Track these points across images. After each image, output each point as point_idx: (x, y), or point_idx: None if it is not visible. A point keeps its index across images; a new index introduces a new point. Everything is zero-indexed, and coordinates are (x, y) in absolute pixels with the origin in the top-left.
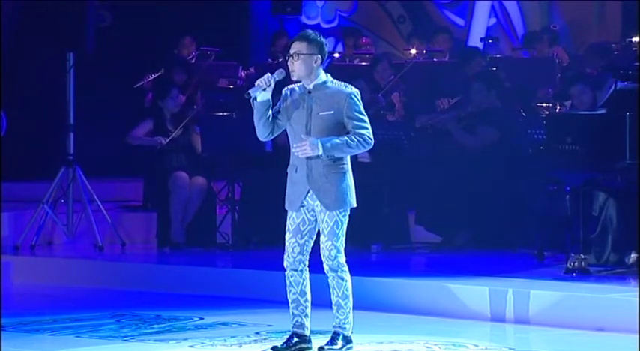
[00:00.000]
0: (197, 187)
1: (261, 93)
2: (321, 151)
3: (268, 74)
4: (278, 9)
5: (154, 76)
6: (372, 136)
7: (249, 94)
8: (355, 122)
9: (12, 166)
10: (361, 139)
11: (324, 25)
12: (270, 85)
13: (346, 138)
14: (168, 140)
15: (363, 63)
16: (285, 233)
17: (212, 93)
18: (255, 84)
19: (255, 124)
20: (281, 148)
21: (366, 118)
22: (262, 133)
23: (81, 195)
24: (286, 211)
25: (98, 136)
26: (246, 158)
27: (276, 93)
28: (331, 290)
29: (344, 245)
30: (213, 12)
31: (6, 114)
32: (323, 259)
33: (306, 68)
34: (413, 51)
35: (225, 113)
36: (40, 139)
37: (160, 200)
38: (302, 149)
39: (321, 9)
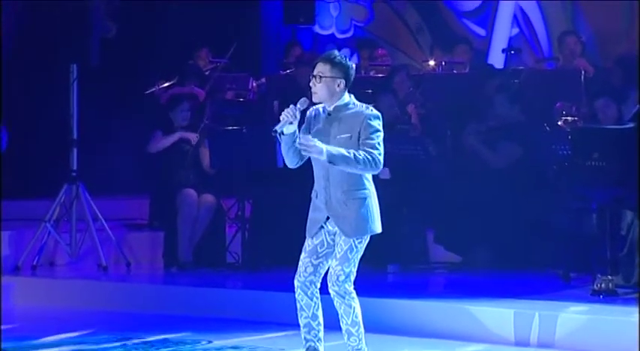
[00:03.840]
0: (206, 205)
1: (287, 126)
2: (324, 157)
3: (292, 106)
4: (290, 18)
5: (166, 84)
6: (382, 160)
7: (276, 131)
8: (368, 141)
9: (13, 183)
10: (370, 158)
11: (339, 36)
12: (295, 117)
13: (353, 152)
14: (197, 136)
15: (380, 75)
16: (298, 253)
17: (221, 106)
18: (281, 118)
19: (284, 155)
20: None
21: (380, 141)
22: (292, 162)
23: (84, 213)
24: (301, 231)
25: (102, 152)
26: (257, 174)
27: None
28: (340, 318)
29: (354, 274)
30: (222, 21)
31: (6, 129)
32: (329, 284)
33: (328, 91)
34: (431, 62)
35: (235, 127)
36: (42, 154)
37: (166, 218)
38: (306, 147)
39: (336, 18)
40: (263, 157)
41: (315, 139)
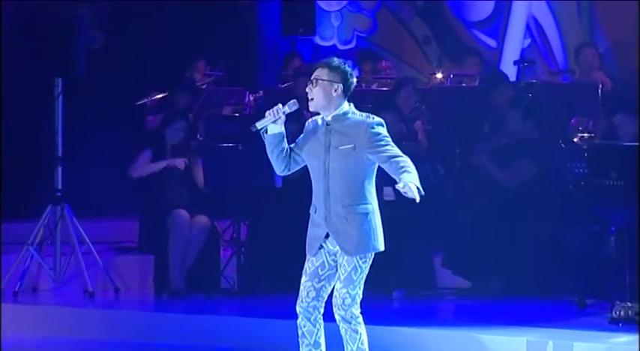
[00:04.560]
0: (199, 227)
1: (271, 125)
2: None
3: (279, 105)
4: (289, 29)
5: (158, 96)
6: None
7: (255, 126)
8: (388, 152)
9: None
10: (409, 162)
11: (341, 47)
12: (279, 117)
13: (407, 165)
14: (188, 160)
15: (384, 88)
16: (297, 277)
17: (216, 121)
18: (266, 115)
19: (270, 158)
20: (293, 183)
21: (392, 142)
22: (278, 167)
23: (70, 235)
24: (300, 254)
25: (89, 170)
26: (254, 194)
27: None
28: (344, 345)
29: (360, 296)
30: (217, 32)
31: None
32: (334, 309)
33: (324, 97)
34: (439, 75)
35: (230, 144)
36: (24, 173)
37: (157, 241)
38: (407, 190)
39: (338, 29)
40: (260, 176)
41: (410, 182)
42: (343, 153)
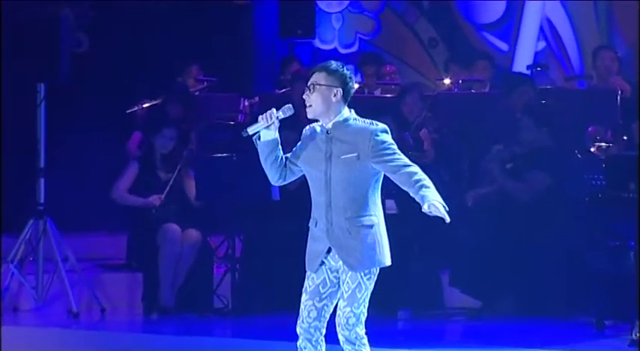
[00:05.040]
0: (190, 242)
1: (263, 131)
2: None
3: (273, 110)
4: (287, 31)
5: (149, 104)
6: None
7: (246, 131)
8: (396, 162)
9: None
10: (421, 173)
11: (342, 50)
12: (272, 122)
13: (424, 180)
14: (164, 196)
15: (388, 95)
16: (296, 296)
17: (209, 130)
18: (258, 120)
19: (263, 166)
20: (291, 195)
21: (398, 150)
22: (272, 177)
23: (53, 252)
24: (299, 270)
25: (74, 183)
26: (249, 208)
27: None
28: None
29: (365, 314)
30: (211, 35)
31: None
32: (338, 328)
33: (323, 102)
34: (447, 81)
35: (224, 154)
36: (4, 185)
37: (146, 257)
38: (434, 210)
39: (339, 31)
40: (256, 188)
41: (434, 201)
42: (346, 162)
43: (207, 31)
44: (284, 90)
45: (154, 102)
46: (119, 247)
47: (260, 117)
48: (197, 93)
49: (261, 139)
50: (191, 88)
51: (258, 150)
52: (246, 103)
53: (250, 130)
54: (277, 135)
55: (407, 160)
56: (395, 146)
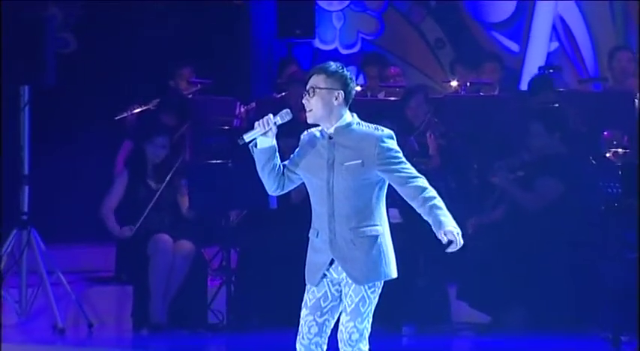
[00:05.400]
0: (183, 254)
1: (260, 138)
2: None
3: (270, 115)
4: (285, 31)
5: (140, 109)
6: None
7: (242, 138)
8: (403, 169)
9: None
10: (429, 186)
11: (343, 51)
12: (270, 128)
13: (434, 200)
14: (135, 228)
15: (392, 98)
16: (296, 310)
17: (202, 136)
18: (255, 126)
19: (260, 175)
20: (290, 204)
21: (404, 158)
22: (269, 186)
23: (37, 264)
24: (299, 284)
25: (59, 191)
26: (245, 218)
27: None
28: None
29: (369, 330)
30: (205, 35)
31: None
32: (340, 344)
33: (324, 107)
34: (454, 83)
35: (218, 161)
36: None
37: (136, 270)
38: (451, 237)
39: (340, 31)
40: (252, 197)
41: (451, 229)
42: (349, 170)
43: (201, 31)
44: (282, 94)
45: (145, 107)
46: (107, 258)
47: (257, 123)
48: (190, 96)
49: (258, 147)
50: (184, 91)
51: (255, 158)
52: (242, 109)
53: (247, 138)
54: (275, 142)
55: (414, 171)
56: (401, 154)
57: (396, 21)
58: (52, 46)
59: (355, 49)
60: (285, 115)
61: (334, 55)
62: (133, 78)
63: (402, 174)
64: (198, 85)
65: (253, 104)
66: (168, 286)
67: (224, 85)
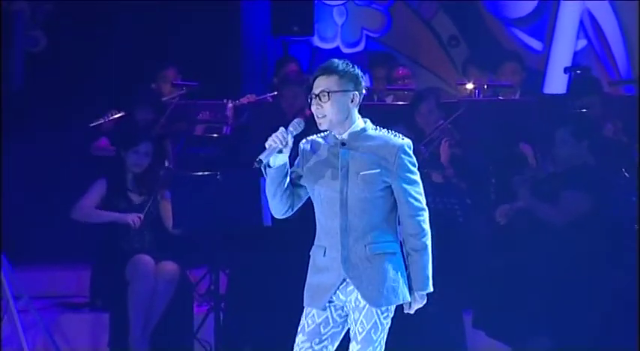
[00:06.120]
0: (166, 276)
1: (275, 156)
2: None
3: (282, 129)
4: (281, 28)
5: (118, 115)
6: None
7: (259, 160)
8: (414, 198)
9: None
10: (426, 231)
11: (346, 50)
12: (286, 144)
13: (419, 248)
14: (143, 215)
15: (400, 102)
16: (290, 338)
17: (188, 144)
18: (267, 145)
19: (270, 197)
20: (286, 220)
21: (419, 179)
22: (279, 210)
23: (3, 288)
24: (295, 308)
25: (27, 206)
26: (236, 236)
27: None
28: None
29: None
30: (190, 33)
31: None
32: None
33: (340, 111)
34: (469, 86)
35: (206, 172)
36: None
37: (113, 295)
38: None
39: (342, 27)
40: (244, 212)
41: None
42: (366, 179)
43: (186, 28)
44: (272, 93)
45: (124, 113)
46: (81, 282)
47: (270, 140)
48: (174, 100)
49: (272, 165)
50: (167, 94)
51: (268, 180)
52: (230, 105)
53: (263, 158)
54: (287, 157)
55: (422, 200)
56: (417, 170)
57: (404, 16)
58: (20, 45)
59: (359, 48)
60: (297, 125)
61: (336, 54)
62: (110, 80)
63: (411, 201)
64: (184, 89)
65: (244, 99)
66: (149, 314)
67: (212, 89)
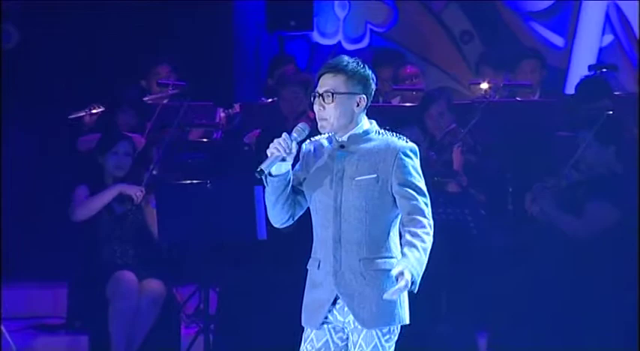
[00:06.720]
0: (151, 295)
1: (278, 164)
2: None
3: (285, 136)
4: (276, 23)
5: (97, 110)
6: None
7: (261, 170)
8: (413, 198)
9: None
10: (428, 233)
11: (348, 46)
12: (290, 151)
13: (419, 245)
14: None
15: (408, 104)
16: None
17: (176, 149)
18: (269, 153)
19: (270, 207)
20: (281, 233)
21: (424, 187)
22: (280, 218)
23: None
24: (293, 329)
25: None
26: (228, 250)
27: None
28: None
29: None
30: (179, 28)
31: None
32: None
33: (343, 114)
34: (484, 85)
35: (194, 181)
36: None
37: (93, 316)
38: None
39: (344, 22)
40: (236, 225)
41: (404, 268)
42: (361, 186)
43: (174, 23)
44: (273, 99)
45: (100, 109)
46: (58, 302)
47: (272, 147)
48: (163, 101)
49: (274, 173)
50: (154, 94)
51: (269, 189)
52: (223, 114)
53: (265, 168)
54: (290, 166)
55: (426, 213)
56: (422, 179)
57: (412, 9)
58: None
59: (362, 44)
60: (302, 130)
61: (337, 50)
62: (89, 78)
63: (409, 204)
64: (171, 87)
65: (237, 107)
66: (132, 336)
67: (202, 88)
